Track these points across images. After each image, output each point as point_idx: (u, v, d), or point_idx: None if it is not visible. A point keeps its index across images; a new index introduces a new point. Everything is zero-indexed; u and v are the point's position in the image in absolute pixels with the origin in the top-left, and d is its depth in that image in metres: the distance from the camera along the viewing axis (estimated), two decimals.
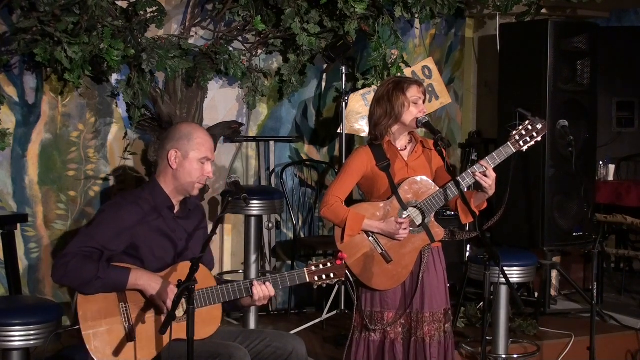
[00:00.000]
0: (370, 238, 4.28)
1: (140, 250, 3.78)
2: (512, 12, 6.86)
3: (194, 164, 3.86)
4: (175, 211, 3.93)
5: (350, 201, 4.40)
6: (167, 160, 3.87)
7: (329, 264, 3.88)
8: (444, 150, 4.17)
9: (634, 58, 7.56)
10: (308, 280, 3.88)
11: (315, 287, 3.92)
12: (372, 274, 4.28)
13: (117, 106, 6.09)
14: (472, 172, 4.16)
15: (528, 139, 4.19)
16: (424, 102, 4.32)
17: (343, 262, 3.89)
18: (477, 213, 4.22)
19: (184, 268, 3.66)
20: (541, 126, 4.20)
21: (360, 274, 4.28)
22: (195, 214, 4.04)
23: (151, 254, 3.80)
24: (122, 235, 3.75)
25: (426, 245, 4.30)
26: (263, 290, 3.81)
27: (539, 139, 4.22)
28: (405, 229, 4.21)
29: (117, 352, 3.67)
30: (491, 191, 4.17)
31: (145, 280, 3.70)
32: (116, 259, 3.76)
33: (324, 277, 3.88)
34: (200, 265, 3.78)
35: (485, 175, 4.13)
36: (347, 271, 3.94)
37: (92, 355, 3.65)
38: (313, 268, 3.88)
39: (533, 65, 6.52)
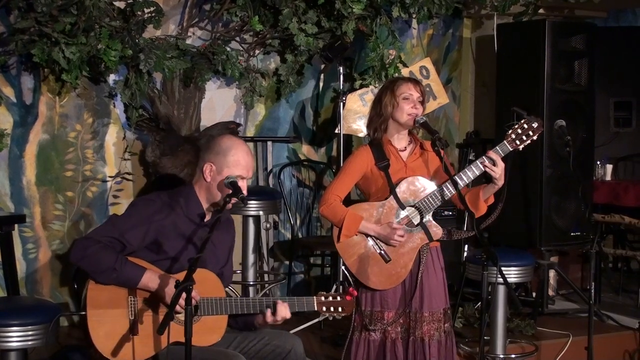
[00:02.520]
0: (368, 237, 4.29)
1: (162, 249, 3.79)
2: (509, 12, 6.87)
3: None
4: (205, 220, 3.92)
5: (348, 201, 4.40)
6: (202, 172, 3.87)
7: (338, 298, 3.91)
8: (441, 151, 4.18)
9: (631, 58, 7.56)
10: (316, 309, 3.91)
11: (322, 317, 3.94)
12: (371, 274, 4.29)
13: (114, 107, 6.09)
14: (481, 162, 4.19)
15: (524, 137, 4.22)
16: (423, 102, 4.34)
17: (353, 298, 3.92)
18: (486, 209, 4.27)
19: (198, 275, 3.63)
20: (537, 125, 4.22)
21: (358, 273, 4.29)
22: (226, 228, 4.03)
23: (172, 256, 3.80)
24: (148, 232, 3.76)
25: (425, 244, 4.32)
26: (287, 311, 3.84)
27: (535, 137, 4.25)
28: (400, 235, 4.23)
29: (118, 343, 3.67)
30: (500, 182, 4.20)
31: (157, 284, 3.70)
32: (137, 253, 3.78)
33: (332, 309, 3.91)
34: (212, 274, 3.83)
35: (495, 165, 4.16)
36: (345, 271, 3.95)
37: (94, 342, 3.66)
38: (323, 298, 3.90)
39: (530, 65, 6.53)
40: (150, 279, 3.70)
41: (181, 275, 3.62)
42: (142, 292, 3.75)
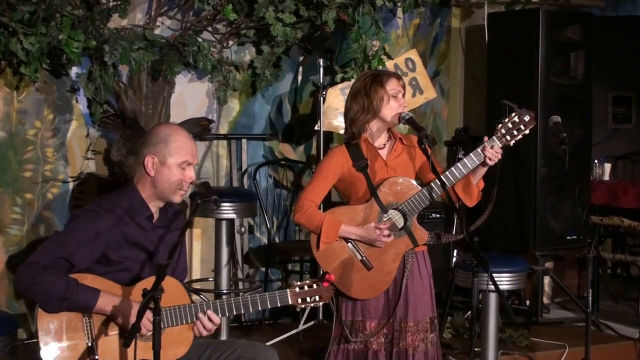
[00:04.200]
0: (349, 244, 4.27)
1: (112, 260, 3.74)
2: (501, 1, 6.91)
3: (173, 169, 3.79)
4: (154, 220, 3.88)
5: (328, 203, 4.39)
6: (144, 167, 3.81)
7: (314, 286, 3.84)
8: (429, 149, 4.17)
9: (630, 49, 7.60)
10: (291, 302, 3.82)
11: (298, 309, 3.88)
12: (352, 282, 4.26)
13: (77, 102, 6.07)
14: (483, 148, 4.17)
15: (515, 132, 4.21)
16: (403, 95, 4.33)
17: (330, 284, 3.86)
18: (478, 195, 4.29)
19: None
20: (529, 118, 4.21)
21: (338, 282, 4.25)
22: (175, 222, 3.98)
23: (124, 265, 3.76)
24: (95, 245, 3.70)
25: (409, 249, 4.30)
26: (205, 324, 3.72)
27: (527, 132, 4.24)
28: (386, 235, 4.20)
29: None
30: (491, 162, 4.20)
31: (113, 307, 3.64)
32: (89, 269, 3.73)
33: (308, 299, 3.83)
34: (174, 280, 3.78)
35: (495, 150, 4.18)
36: None
37: None
38: (297, 289, 3.82)
39: (523, 57, 6.55)
40: (106, 302, 3.64)
41: (136, 289, 3.64)
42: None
